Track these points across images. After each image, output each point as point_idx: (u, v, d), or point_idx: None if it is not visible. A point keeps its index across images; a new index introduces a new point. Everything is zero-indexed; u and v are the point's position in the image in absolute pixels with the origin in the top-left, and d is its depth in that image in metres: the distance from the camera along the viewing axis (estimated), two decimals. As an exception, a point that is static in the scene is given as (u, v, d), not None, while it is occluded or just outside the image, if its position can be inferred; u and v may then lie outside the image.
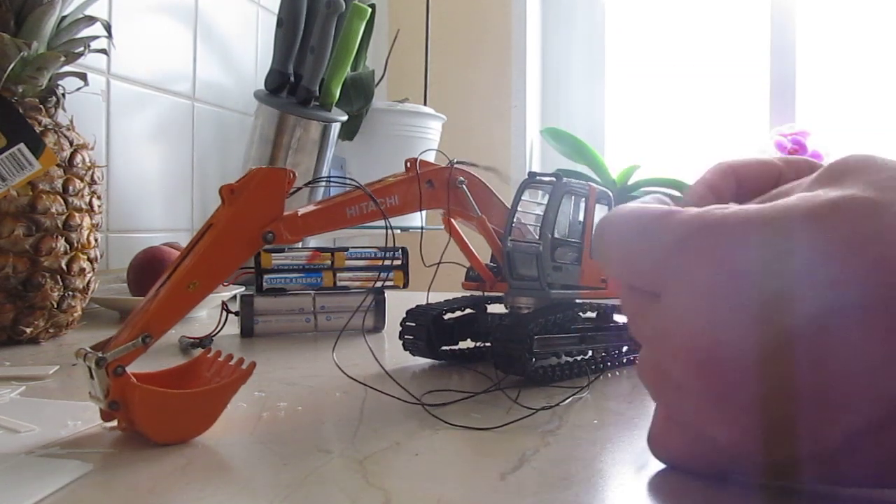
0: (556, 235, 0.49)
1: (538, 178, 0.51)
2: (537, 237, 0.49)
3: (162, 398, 0.36)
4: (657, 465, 0.34)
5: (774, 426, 0.24)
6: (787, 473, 0.27)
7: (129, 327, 0.36)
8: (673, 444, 0.30)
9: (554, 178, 0.50)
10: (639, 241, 0.28)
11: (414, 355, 0.56)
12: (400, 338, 0.55)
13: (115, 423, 0.37)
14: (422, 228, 0.90)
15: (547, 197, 0.51)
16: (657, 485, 0.32)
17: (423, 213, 1.24)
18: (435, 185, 0.49)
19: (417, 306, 0.55)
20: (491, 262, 0.55)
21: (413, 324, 0.54)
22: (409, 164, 0.49)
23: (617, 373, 0.53)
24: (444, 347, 0.56)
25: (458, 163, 0.51)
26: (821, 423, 0.24)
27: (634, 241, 0.28)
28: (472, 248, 0.53)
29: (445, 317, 0.55)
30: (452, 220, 0.51)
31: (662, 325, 0.27)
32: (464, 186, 0.50)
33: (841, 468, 0.25)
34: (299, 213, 0.42)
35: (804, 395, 0.23)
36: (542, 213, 0.50)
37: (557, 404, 0.43)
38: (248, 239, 0.39)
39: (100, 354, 0.35)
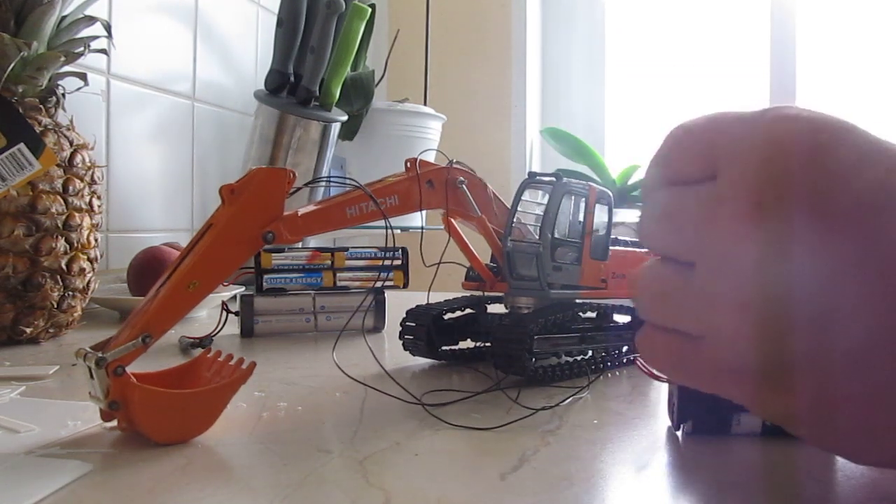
0: (556, 235, 0.49)
1: (538, 178, 0.51)
2: (537, 237, 0.49)
3: (162, 398, 0.36)
4: (657, 465, 0.34)
5: (768, 329, 0.24)
6: (773, 390, 0.26)
7: (129, 327, 0.36)
8: (659, 349, 0.29)
9: (554, 178, 0.50)
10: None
11: (414, 355, 0.56)
12: (400, 338, 0.55)
13: (115, 423, 0.37)
14: (422, 228, 0.90)
15: (547, 197, 0.51)
16: (657, 485, 0.32)
17: (423, 213, 1.24)
18: (435, 185, 0.49)
19: (417, 306, 0.55)
20: (491, 262, 0.55)
21: (413, 324, 0.54)
22: (408, 164, 0.49)
23: (617, 373, 0.53)
24: (444, 347, 0.56)
25: (457, 163, 0.51)
26: (814, 331, 0.24)
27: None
28: (472, 248, 0.53)
29: (445, 317, 0.55)
30: (452, 220, 0.51)
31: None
32: (464, 186, 0.50)
33: (831, 409, 0.25)
34: (299, 213, 0.42)
35: (799, 304, 0.24)
36: (542, 213, 0.50)
37: (557, 404, 0.43)
38: (248, 239, 0.39)
39: (100, 354, 0.35)
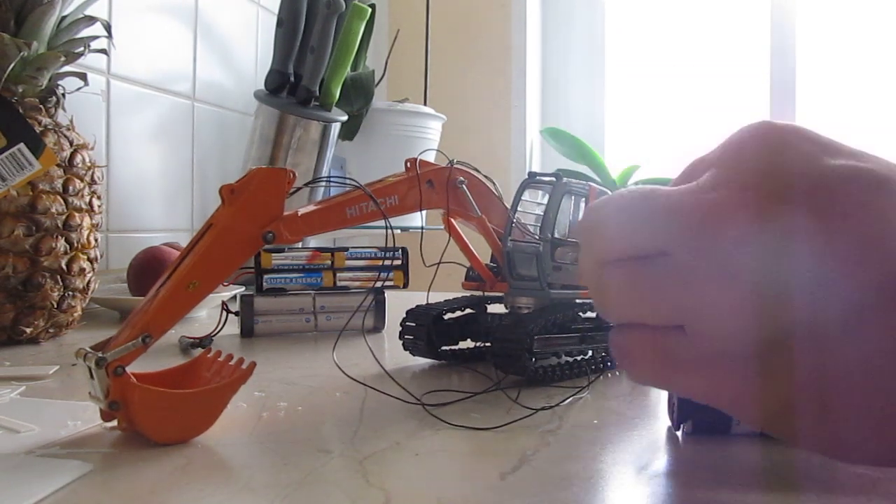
0: (556, 235, 0.49)
1: (538, 178, 0.51)
2: (537, 237, 0.49)
3: (162, 398, 0.36)
4: (657, 465, 0.34)
5: (761, 304, 0.24)
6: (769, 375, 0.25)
7: (129, 327, 0.36)
8: (635, 349, 0.28)
9: (554, 178, 0.50)
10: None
11: (414, 355, 0.56)
12: (400, 338, 0.55)
13: (115, 423, 0.37)
14: (422, 228, 0.90)
15: (547, 197, 0.51)
16: (657, 485, 0.32)
17: (423, 213, 1.24)
18: (435, 185, 0.49)
19: (417, 306, 0.55)
20: (491, 262, 0.55)
21: (413, 324, 0.54)
22: (408, 164, 0.49)
23: (617, 373, 0.53)
24: (444, 348, 0.55)
25: (458, 163, 0.51)
26: (808, 303, 0.23)
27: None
28: (472, 248, 0.53)
29: (445, 317, 0.55)
30: (452, 220, 0.51)
31: None
32: (464, 186, 0.50)
33: (829, 389, 0.24)
34: (299, 213, 0.42)
35: (792, 277, 0.24)
36: (542, 213, 0.50)
37: (557, 404, 0.43)
38: (248, 239, 0.39)
39: (100, 354, 0.35)
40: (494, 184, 0.54)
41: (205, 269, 0.37)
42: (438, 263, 0.51)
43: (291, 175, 0.41)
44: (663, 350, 0.26)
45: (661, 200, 0.26)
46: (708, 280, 0.24)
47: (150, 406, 0.35)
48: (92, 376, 0.35)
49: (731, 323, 0.24)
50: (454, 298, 0.57)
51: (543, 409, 0.42)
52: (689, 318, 0.25)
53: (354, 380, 0.47)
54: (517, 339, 0.47)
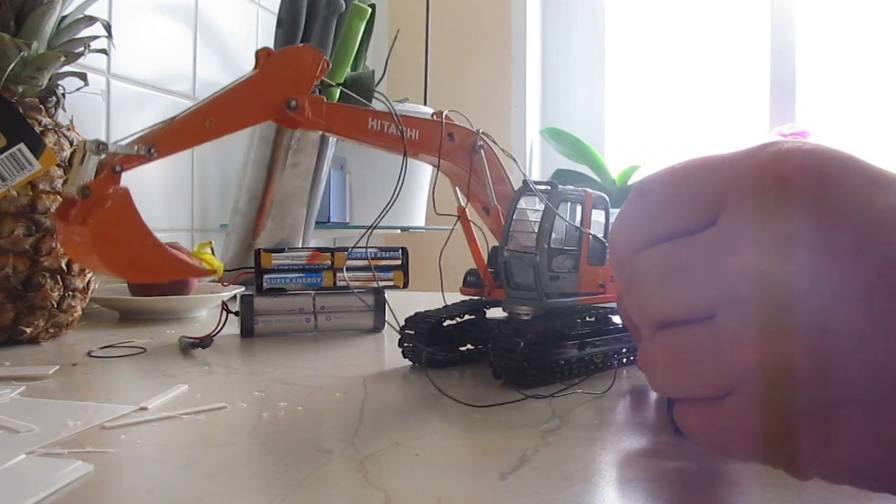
0: (553, 245, 0.49)
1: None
2: (534, 245, 0.49)
3: (133, 218, 0.35)
4: (658, 466, 0.34)
5: (818, 356, 0.23)
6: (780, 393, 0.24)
7: (139, 140, 0.36)
8: (693, 424, 0.27)
9: (549, 187, 0.50)
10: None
11: (414, 363, 0.55)
12: (399, 345, 0.55)
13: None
14: (421, 228, 0.91)
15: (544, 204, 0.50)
16: (657, 485, 0.32)
17: (424, 213, 1.23)
18: (455, 140, 0.50)
19: (416, 314, 0.54)
20: (489, 265, 0.54)
21: (412, 332, 0.54)
22: (434, 115, 0.49)
23: (617, 373, 0.53)
24: (442, 356, 0.55)
25: (483, 133, 0.52)
26: (861, 353, 0.23)
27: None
28: (479, 246, 0.53)
29: (444, 324, 0.54)
30: (468, 204, 0.51)
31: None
32: (482, 152, 0.51)
33: (833, 430, 0.24)
34: (325, 100, 0.43)
35: (837, 329, 0.23)
36: (538, 220, 0.49)
37: (553, 395, 0.43)
38: (271, 99, 0.40)
39: (103, 140, 0.34)
40: (515, 160, 0.55)
41: (224, 111, 0.38)
42: (440, 253, 0.50)
43: (325, 64, 0.42)
44: (717, 423, 0.26)
45: (707, 256, 0.25)
46: (765, 338, 0.24)
47: (117, 215, 0.34)
48: (82, 162, 0.34)
49: (794, 379, 0.23)
50: (453, 304, 0.56)
51: (536, 397, 0.41)
52: (740, 385, 0.24)
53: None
54: (515, 350, 0.46)
